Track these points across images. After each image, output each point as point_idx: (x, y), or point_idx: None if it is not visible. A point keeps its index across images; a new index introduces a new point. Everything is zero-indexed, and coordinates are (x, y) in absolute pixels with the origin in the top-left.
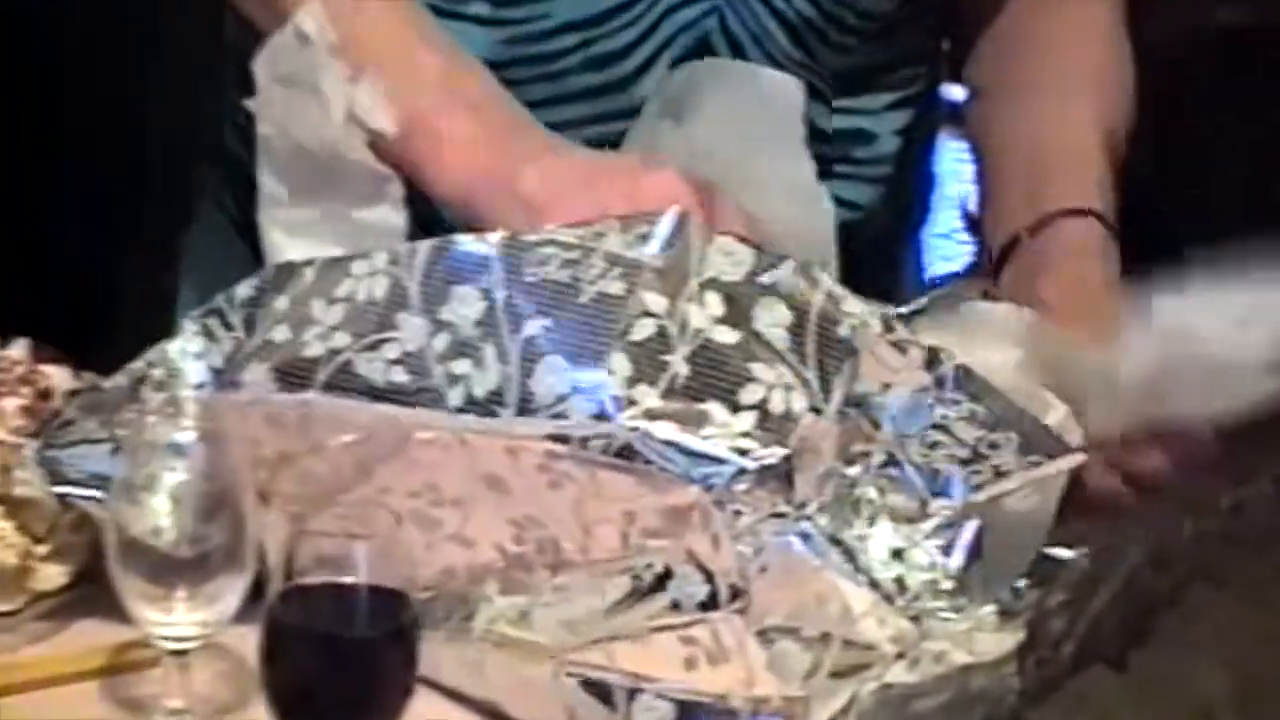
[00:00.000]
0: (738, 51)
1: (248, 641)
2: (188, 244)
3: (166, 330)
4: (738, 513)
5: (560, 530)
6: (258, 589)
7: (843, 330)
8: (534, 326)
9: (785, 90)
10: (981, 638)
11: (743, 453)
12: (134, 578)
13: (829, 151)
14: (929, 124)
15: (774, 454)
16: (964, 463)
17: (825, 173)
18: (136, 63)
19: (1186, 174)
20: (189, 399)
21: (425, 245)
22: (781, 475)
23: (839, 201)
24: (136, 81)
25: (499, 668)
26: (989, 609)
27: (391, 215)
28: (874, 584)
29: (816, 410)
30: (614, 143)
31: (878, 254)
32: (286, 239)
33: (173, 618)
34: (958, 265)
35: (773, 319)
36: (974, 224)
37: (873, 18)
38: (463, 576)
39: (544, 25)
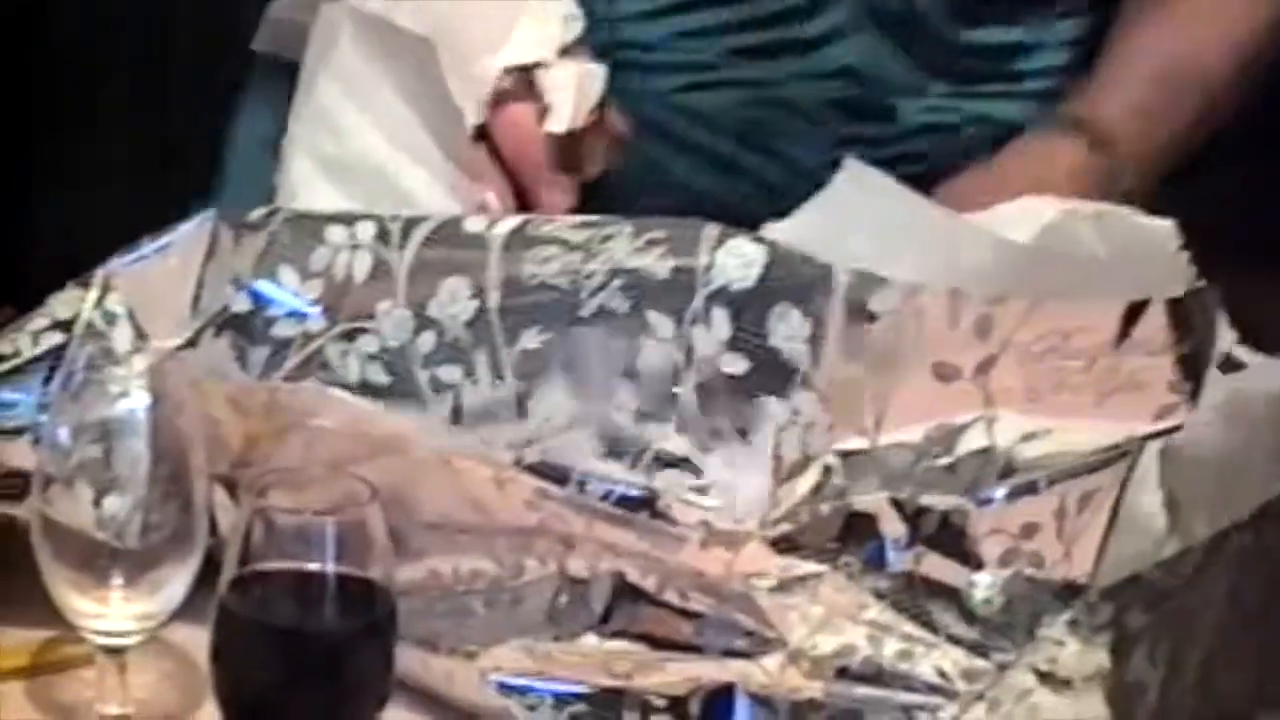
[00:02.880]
0: None
1: (196, 638)
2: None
3: None
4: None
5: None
6: (208, 576)
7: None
8: (531, 339)
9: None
10: (1063, 659)
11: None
12: (62, 564)
13: (977, 65)
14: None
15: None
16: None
17: (967, 92)
18: None
19: None
20: (131, 363)
21: (421, 224)
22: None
23: (988, 120)
24: None
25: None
26: (1059, 627)
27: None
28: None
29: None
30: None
31: None
32: (314, 170)
33: (108, 610)
34: None
35: (790, 330)
36: None
37: None
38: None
39: None
